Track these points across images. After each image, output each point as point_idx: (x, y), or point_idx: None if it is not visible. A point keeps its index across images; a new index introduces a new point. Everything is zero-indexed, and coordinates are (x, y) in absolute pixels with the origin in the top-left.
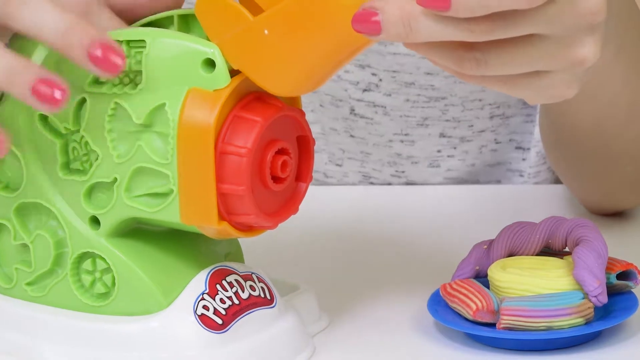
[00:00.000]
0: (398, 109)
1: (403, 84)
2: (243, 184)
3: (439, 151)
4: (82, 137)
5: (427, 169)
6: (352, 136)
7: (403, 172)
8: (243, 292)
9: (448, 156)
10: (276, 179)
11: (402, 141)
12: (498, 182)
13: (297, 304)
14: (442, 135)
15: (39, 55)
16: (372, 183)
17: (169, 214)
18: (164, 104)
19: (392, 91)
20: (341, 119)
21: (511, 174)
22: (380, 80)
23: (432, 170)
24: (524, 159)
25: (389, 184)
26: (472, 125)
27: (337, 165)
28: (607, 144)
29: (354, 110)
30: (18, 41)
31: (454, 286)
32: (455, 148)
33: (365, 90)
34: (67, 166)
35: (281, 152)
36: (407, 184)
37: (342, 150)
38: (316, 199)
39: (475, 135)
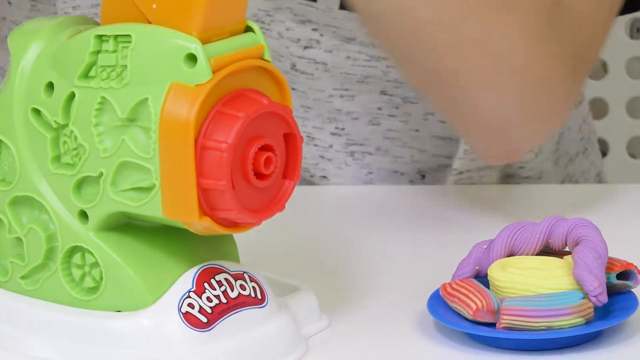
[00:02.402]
0: (339, 66)
1: (344, 39)
2: (223, 179)
3: (379, 109)
4: (72, 131)
5: (367, 126)
6: (293, 89)
7: (343, 129)
8: (232, 291)
9: (389, 115)
10: (259, 176)
11: (341, 96)
12: (448, 157)
13: (297, 305)
14: (383, 92)
15: (33, 50)
16: (315, 145)
17: (152, 208)
18: (146, 99)
19: (333, 47)
20: (282, 73)
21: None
22: (322, 35)
23: (372, 127)
24: None
25: (330, 146)
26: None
27: None
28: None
29: (295, 66)
30: (14, 37)
31: (454, 286)
32: (397, 108)
33: (306, 47)
34: (58, 160)
35: (265, 148)
36: (347, 144)
37: None
38: (316, 198)
39: (419, 99)
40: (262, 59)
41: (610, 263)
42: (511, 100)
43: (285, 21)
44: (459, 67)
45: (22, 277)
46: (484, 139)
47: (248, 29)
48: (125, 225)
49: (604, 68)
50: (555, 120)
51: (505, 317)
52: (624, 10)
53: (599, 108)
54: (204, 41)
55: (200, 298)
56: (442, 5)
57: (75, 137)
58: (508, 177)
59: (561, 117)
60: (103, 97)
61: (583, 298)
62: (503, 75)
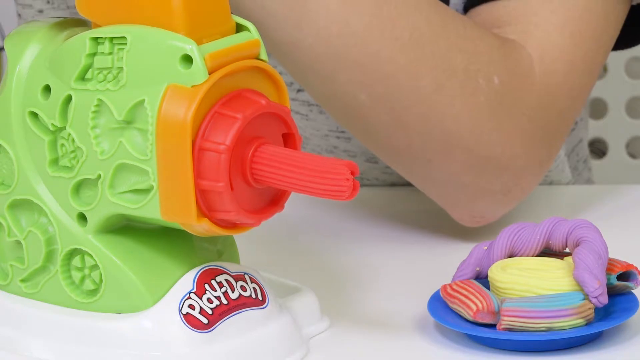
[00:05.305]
0: None
1: None
2: (221, 181)
3: None
4: (69, 134)
5: (365, 163)
6: None
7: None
8: (233, 292)
9: None
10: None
11: (338, 137)
12: None
13: (298, 306)
14: None
15: (30, 53)
16: None
17: (151, 210)
18: (143, 101)
19: None
20: None
21: None
22: None
23: (370, 165)
24: None
25: None
26: None
27: None
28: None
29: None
30: (11, 40)
31: (455, 287)
32: None
33: (299, 90)
34: (56, 163)
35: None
36: None
37: None
38: (316, 199)
39: None
40: (258, 58)
41: (611, 264)
42: (462, 176)
43: (277, 65)
44: (406, 145)
45: (22, 280)
46: (444, 205)
47: (243, 29)
48: (125, 227)
49: (603, 68)
50: (518, 191)
51: (505, 318)
52: (619, 45)
53: (598, 108)
54: (196, 43)
55: (201, 299)
56: (382, 85)
57: (73, 140)
58: None
59: (526, 186)
60: (100, 100)
61: (583, 299)
62: (451, 154)
